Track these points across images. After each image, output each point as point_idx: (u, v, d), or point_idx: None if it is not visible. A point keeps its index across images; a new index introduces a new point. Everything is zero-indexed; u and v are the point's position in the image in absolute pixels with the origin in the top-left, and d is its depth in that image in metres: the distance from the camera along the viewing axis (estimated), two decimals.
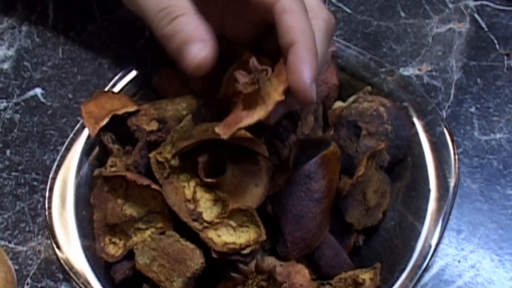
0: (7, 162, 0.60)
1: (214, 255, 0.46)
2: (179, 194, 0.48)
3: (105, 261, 0.50)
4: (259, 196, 0.47)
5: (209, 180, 0.47)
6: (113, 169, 0.51)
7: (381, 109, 0.53)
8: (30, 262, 0.55)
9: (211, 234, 0.47)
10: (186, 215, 0.47)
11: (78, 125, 0.55)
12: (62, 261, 0.50)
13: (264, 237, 0.46)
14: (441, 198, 0.52)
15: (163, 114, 0.52)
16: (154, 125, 0.52)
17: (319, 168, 0.48)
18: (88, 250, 0.51)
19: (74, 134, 0.55)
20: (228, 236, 0.47)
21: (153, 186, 0.48)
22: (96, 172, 0.52)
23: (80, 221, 0.52)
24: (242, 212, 0.47)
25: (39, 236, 0.56)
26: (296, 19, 0.44)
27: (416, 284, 0.49)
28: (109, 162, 0.52)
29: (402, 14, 0.67)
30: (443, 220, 0.51)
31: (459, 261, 0.54)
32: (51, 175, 0.54)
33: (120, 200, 0.50)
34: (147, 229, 0.49)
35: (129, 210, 0.49)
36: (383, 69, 0.57)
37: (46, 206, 0.52)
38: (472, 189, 0.57)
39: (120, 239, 0.50)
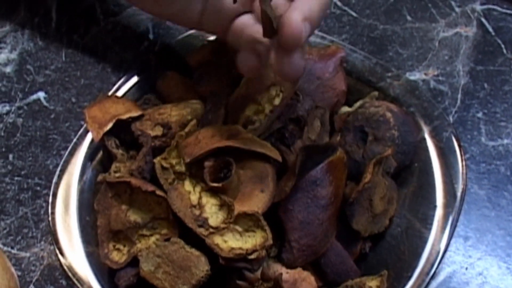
0: (9, 167, 0.59)
1: (221, 261, 0.45)
2: (185, 200, 0.47)
3: (109, 268, 0.49)
4: (265, 202, 0.47)
5: (215, 184, 0.47)
6: (117, 174, 0.51)
7: (388, 114, 0.53)
8: (33, 268, 0.54)
9: (217, 239, 0.46)
10: (191, 221, 0.46)
11: (81, 130, 0.55)
12: (65, 267, 0.50)
13: (270, 241, 0.45)
14: (448, 205, 0.51)
15: (168, 119, 0.52)
16: (158, 130, 0.51)
17: (325, 174, 0.48)
18: (92, 256, 0.50)
19: (78, 139, 0.55)
20: (234, 241, 0.46)
21: (158, 192, 0.47)
22: (100, 177, 0.51)
23: (83, 226, 0.52)
24: (248, 216, 0.46)
25: (42, 242, 0.56)
26: None
27: None
28: (113, 167, 0.51)
29: (409, 18, 0.67)
30: (450, 227, 0.50)
31: (466, 268, 0.54)
32: (54, 180, 0.53)
33: (124, 206, 0.49)
34: (151, 235, 0.49)
35: (133, 216, 0.49)
36: (390, 74, 0.57)
37: (49, 211, 0.52)
38: (479, 195, 0.57)
39: (124, 246, 0.50)
